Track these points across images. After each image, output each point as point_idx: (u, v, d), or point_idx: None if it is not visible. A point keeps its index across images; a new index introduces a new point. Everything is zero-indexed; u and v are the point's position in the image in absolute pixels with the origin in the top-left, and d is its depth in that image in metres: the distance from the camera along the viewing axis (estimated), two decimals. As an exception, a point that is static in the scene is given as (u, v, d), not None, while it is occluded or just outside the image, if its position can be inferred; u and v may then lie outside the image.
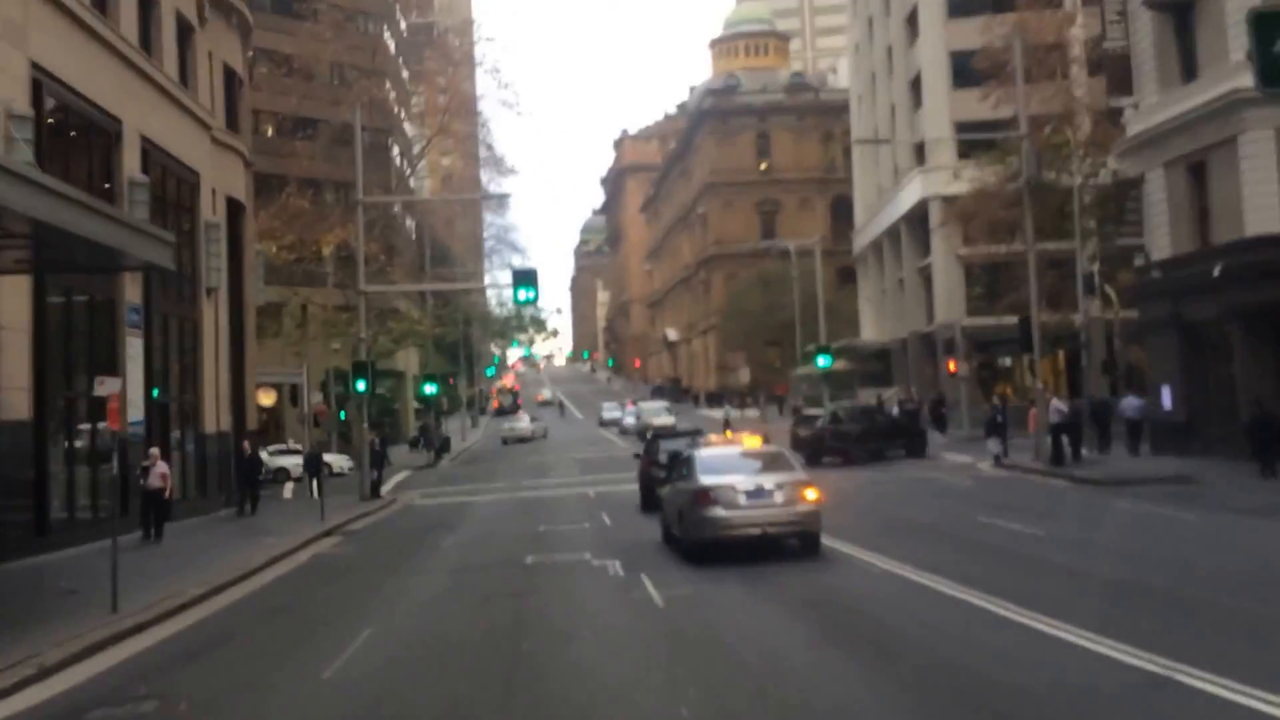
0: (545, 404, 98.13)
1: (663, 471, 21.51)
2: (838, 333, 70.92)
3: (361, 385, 29.57)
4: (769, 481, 16.58)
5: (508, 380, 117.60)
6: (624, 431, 56.26)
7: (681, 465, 18.59)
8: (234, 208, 31.52)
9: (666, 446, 23.47)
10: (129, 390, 20.88)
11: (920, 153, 52.02)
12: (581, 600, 13.91)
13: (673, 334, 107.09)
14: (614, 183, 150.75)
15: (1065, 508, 20.59)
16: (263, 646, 12.06)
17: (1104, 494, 22.09)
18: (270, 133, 49.93)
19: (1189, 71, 26.31)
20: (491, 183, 59.77)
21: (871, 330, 64.92)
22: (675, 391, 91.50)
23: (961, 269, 49.63)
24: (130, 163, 24.07)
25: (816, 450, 32.86)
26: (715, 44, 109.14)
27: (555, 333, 65.68)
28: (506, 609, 13.21)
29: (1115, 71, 30.06)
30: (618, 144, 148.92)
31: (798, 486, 16.35)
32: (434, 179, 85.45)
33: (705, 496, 16.35)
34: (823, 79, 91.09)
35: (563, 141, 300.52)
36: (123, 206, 22.42)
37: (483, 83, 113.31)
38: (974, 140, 40.72)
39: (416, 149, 56.41)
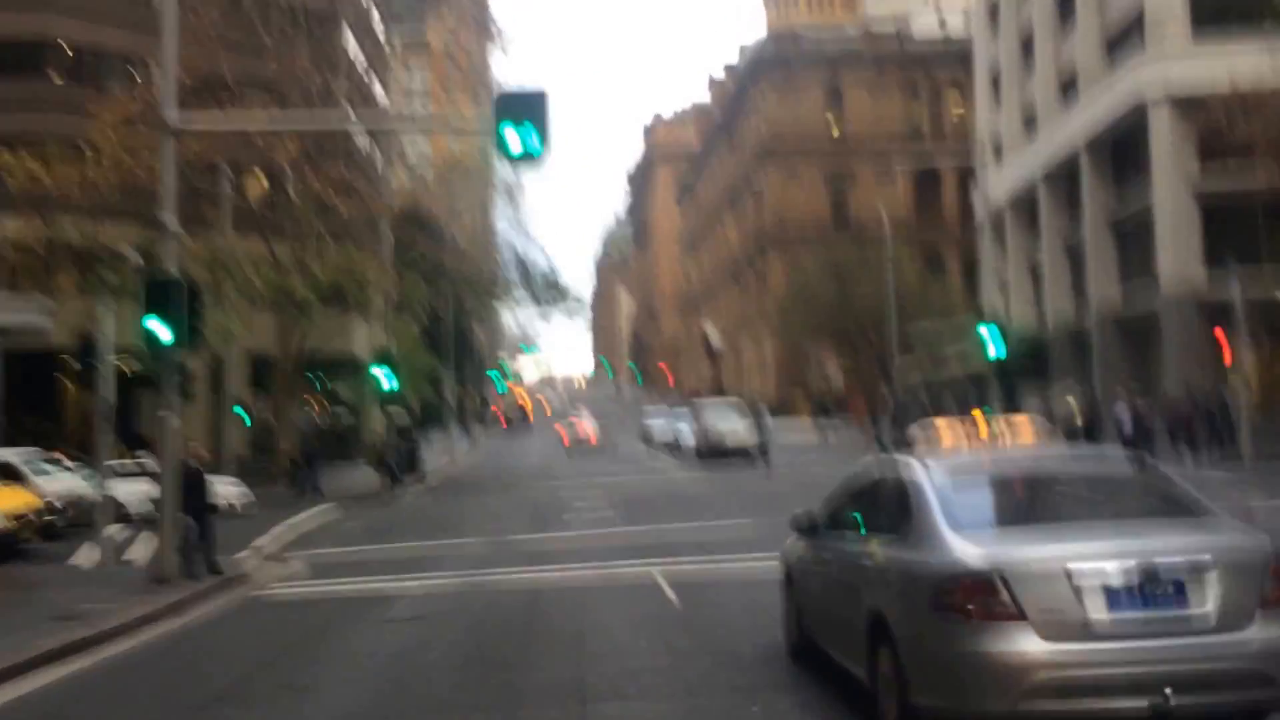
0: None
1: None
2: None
3: (161, 327, 13.58)
4: (1165, 550, 5.63)
5: (518, 395, 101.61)
6: (677, 448, 40.53)
7: (892, 505, 6.84)
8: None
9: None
10: None
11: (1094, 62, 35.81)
12: None
13: (715, 336, 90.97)
14: (643, 175, 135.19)
15: None
16: None
17: None
18: None
19: None
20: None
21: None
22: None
23: (1199, 211, 33.25)
24: None
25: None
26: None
27: (578, 301, 46.12)
28: None
29: None
30: (648, 131, 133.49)
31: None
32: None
33: (983, 596, 5.57)
34: (904, 23, 74.84)
35: (582, 155, 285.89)
36: None
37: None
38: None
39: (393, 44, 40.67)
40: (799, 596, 8.54)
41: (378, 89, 48.13)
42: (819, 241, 68.31)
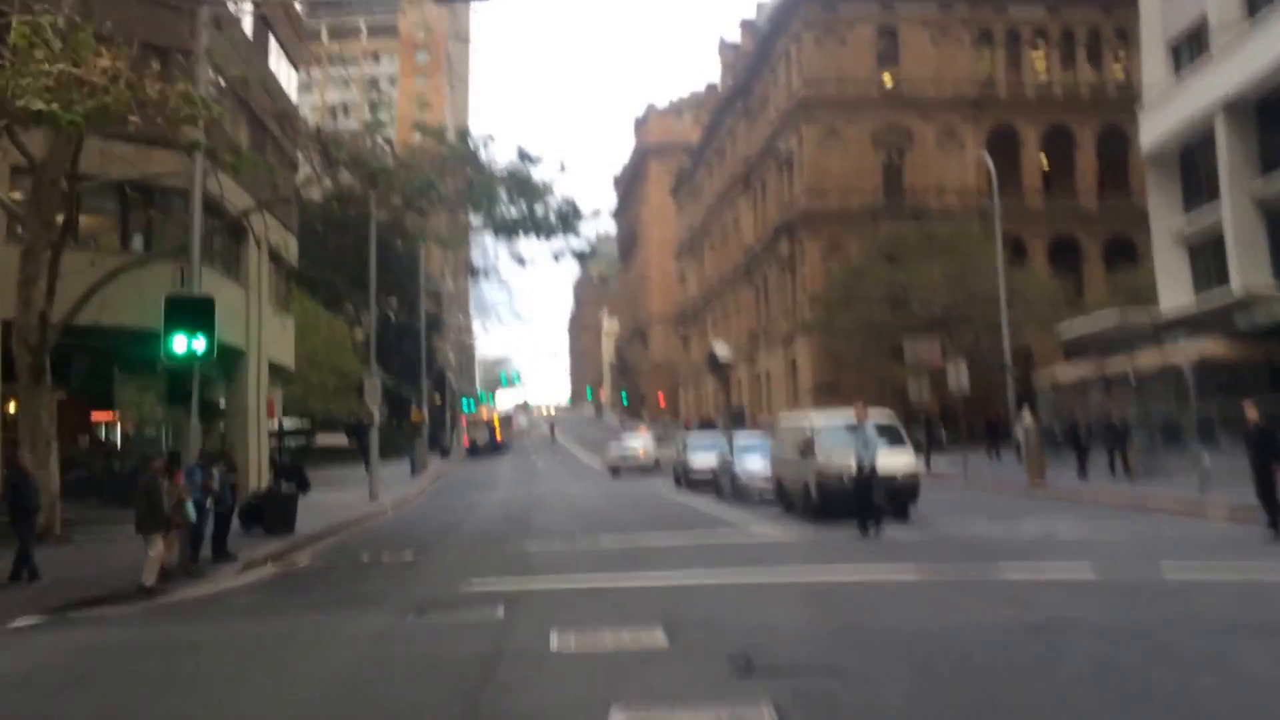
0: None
1: None
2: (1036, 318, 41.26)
3: None
4: None
5: (484, 412, 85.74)
6: (735, 490, 25.36)
7: None
8: None
9: None
10: None
11: None
12: None
13: (723, 350, 75.53)
14: (633, 174, 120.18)
15: None
16: None
17: None
18: None
19: None
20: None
21: (1179, 293, 33.20)
22: (740, 423, 59.82)
23: None
24: None
25: None
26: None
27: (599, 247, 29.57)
28: None
29: None
30: (640, 124, 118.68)
31: None
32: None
33: None
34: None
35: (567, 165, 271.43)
36: None
37: None
38: None
39: None
40: None
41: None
42: (868, 218, 53.48)
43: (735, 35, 79.20)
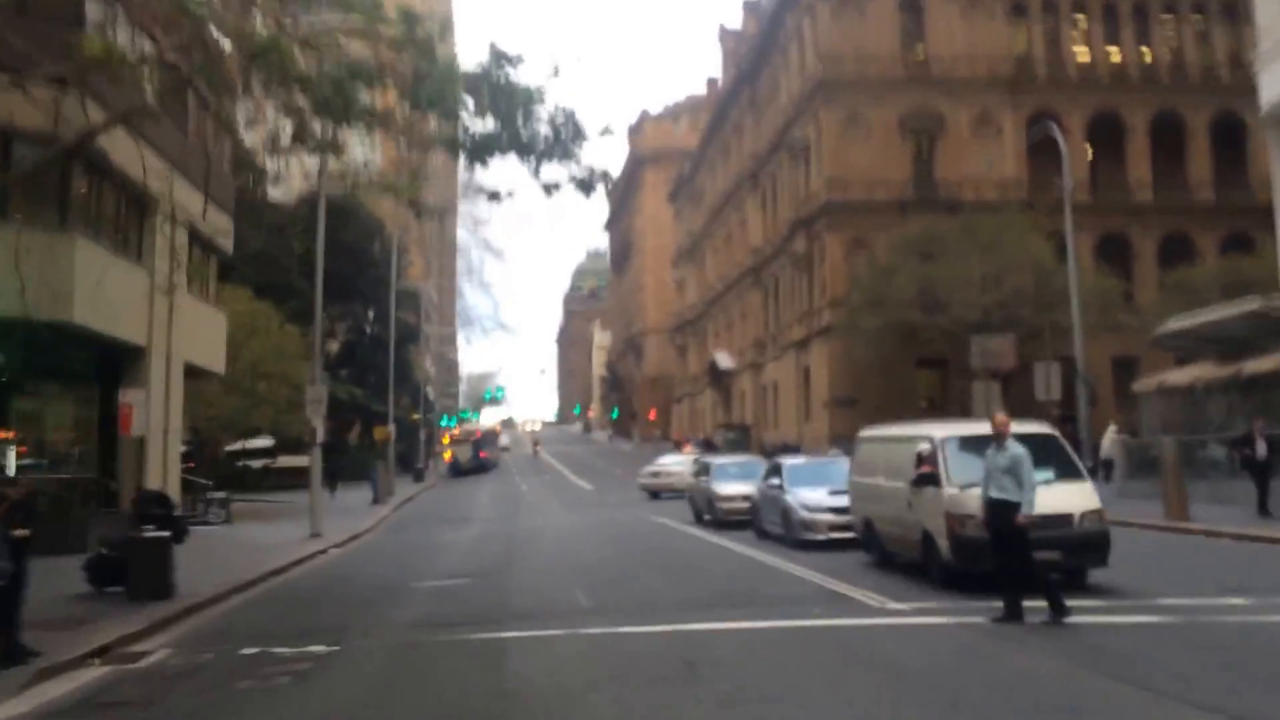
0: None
1: None
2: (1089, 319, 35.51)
3: None
4: None
5: (468, 429, 79.25)
6: (785, 532, 18.66)
7: None
8: None
9: None
10: None
11: None
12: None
13: (725, 359, 69.50)
14: (626, 182, 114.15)
15: None
16: None
17: None
18: None
19: None
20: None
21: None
22: (741, 442, 53.74)
23: None
24: None
25: None
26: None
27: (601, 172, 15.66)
28: None
29: None
30: (634, 131, 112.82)
31: None
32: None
33: None
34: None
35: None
36: None
37: None
38: None
39: None
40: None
41: None
42: (896, 212, 47.58)
43: (736, 22, 73.53)
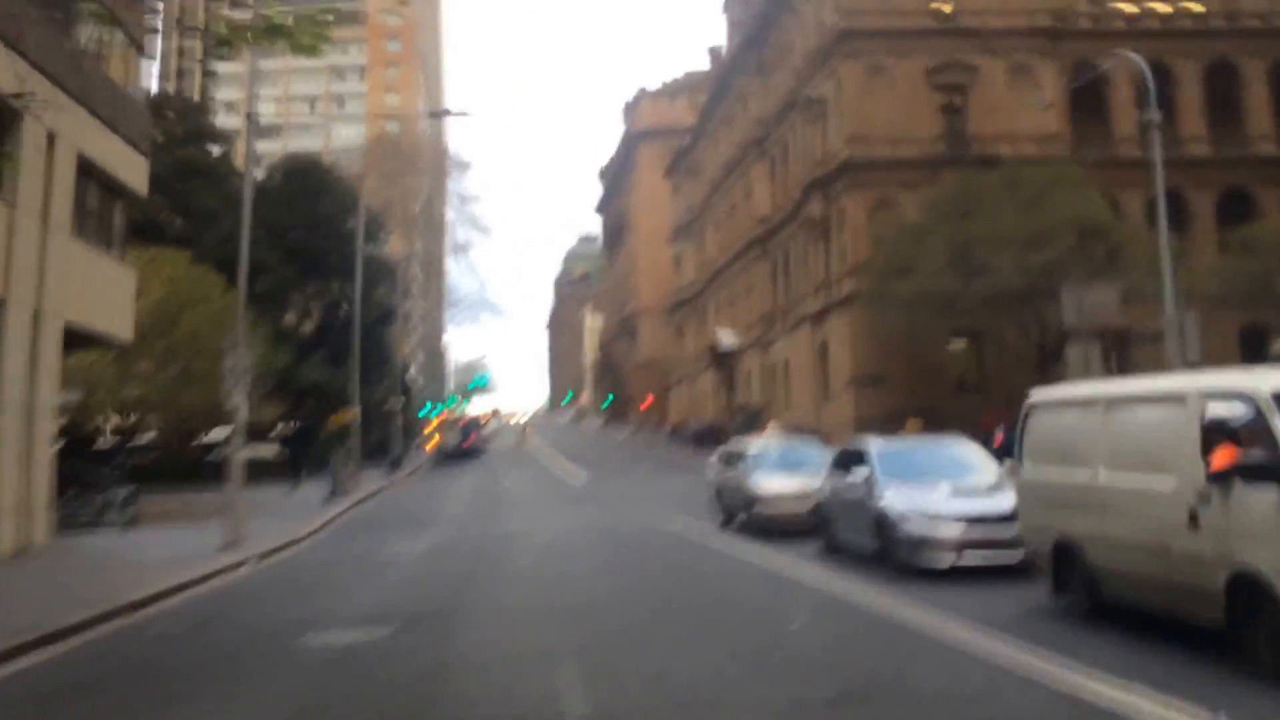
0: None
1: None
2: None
3: None
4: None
5: (455, 415, 74.27)
6: (877, 551, 13.12)
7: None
8: None
9: None
10: None
11: None
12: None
13: (729, 337, 64.54)
14: (621, 161, 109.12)
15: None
16: None
17: None
18: None
19: None
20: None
21: None
22: (751, 426, 48.61)
23: None
24: None
25: None
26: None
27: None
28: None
29: None
30: (630, 108, 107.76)
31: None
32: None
33: None
34: None
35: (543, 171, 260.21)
36: None
37: None
38: None
39: None
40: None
41: None
42: (925, 170, 42.68)
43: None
